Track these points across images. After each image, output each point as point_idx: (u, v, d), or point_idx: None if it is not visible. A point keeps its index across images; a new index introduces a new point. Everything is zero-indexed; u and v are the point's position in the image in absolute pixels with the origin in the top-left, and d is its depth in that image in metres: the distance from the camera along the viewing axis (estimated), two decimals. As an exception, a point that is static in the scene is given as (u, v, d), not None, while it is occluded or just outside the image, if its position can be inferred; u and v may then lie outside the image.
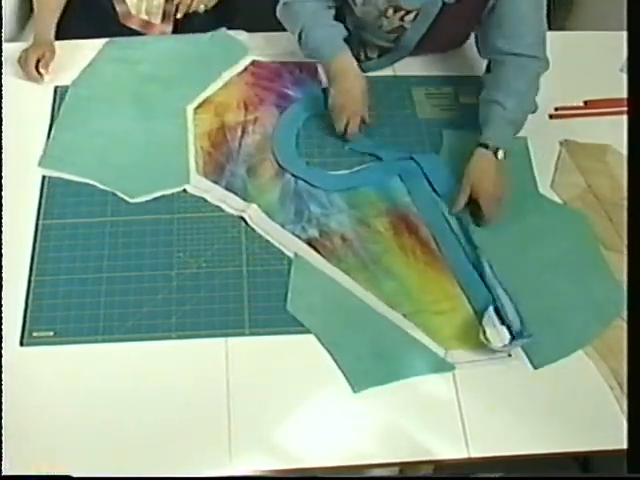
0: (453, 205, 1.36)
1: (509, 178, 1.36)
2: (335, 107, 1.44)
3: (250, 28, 1.60)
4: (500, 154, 1.35)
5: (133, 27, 1.73)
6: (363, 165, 1.45)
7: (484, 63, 1.51)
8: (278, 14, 1.50)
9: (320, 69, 1.60)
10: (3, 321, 1.20)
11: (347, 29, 1.48)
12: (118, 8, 1.70)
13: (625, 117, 1.18)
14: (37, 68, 1.52)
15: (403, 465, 1.25)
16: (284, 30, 1.55)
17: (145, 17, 1.72)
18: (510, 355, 1.22)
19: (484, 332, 1.22)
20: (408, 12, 1.46)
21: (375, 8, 1.46)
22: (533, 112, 1.42)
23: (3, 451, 1.04)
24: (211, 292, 1.28)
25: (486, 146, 1.36)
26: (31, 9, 1.65)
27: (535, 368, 1.21)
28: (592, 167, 1.47)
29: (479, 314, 1.25)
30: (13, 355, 1.19)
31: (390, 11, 1.46)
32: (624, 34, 1.13)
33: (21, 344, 1.22)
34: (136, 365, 1.20)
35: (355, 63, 1.44)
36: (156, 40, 1.69)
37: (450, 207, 1.37)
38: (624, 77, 1.54)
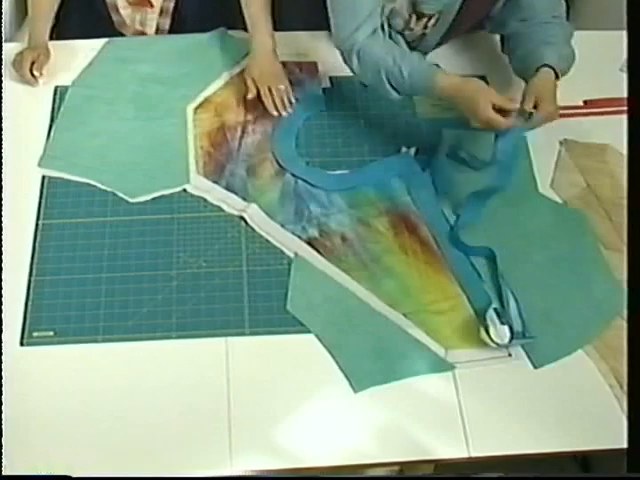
0: (517, 113, 1.30)
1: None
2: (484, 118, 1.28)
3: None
4: (554, 74, 1.34)
5: (128, 35, 1.73)
6: (363, 165, 1.45)
7: (486, 62, 1.50)
8: (355, 69, 1.39)
9: (320, 69, 1.60)
10: (3, 321, 1.20)
11: None
12: (114, 17, 1.70)
13: (625, 117, 1.18)
14: (31, 70, 1.52)
15: (403, 465, 1.25)
16: (284, 30, 1.55)
17: (139, 27, 1.72)
18: (510, 355, 1.22)
19: (487, 330, 1.22)
20: (430, 18, 1.46)
21: (401, 19, 1.45)
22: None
23: (3, 451, 1.04)
24: (211, 292, 1.28)
25: (549, 66, 1.34)
26: (26, 9, 1.65)
27: (535, 368, 1.21)
28: (592, 167, 1.47)
29: (479, 314, 1.25)
30: (13, 355, 1.19)
31: (413, 20, 1.46)
32: (624, 34, 1.13)
33: (21, 344, 1.22)
34: (136, 365, 1.20)
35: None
36: (156, 40, 1.69)
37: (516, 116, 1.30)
38: (624, 77, 1.54)
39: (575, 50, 1.41)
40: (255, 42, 1.54)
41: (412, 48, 1.51)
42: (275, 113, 1.51)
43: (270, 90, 1.52)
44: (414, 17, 1.45)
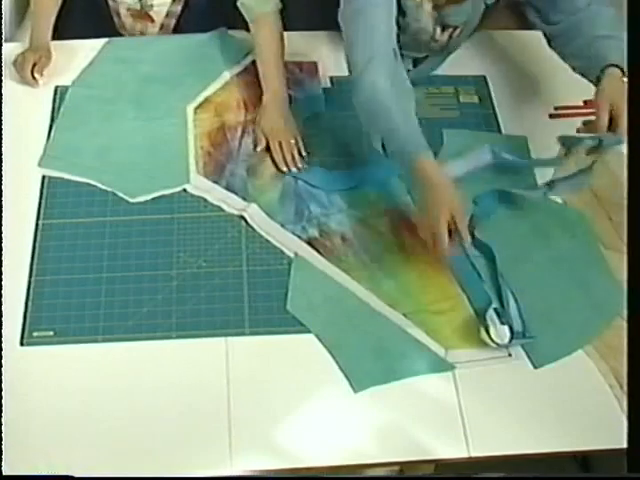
0: (596, 128, 1.26)
1: None
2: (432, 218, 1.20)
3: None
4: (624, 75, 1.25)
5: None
6: (363, 165, 1.45)
7: (486, 62, 1.50)
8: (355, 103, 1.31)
9: (320, 68, 1.60)
10: (3, 321, 1.20)
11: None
12: (115, 20, 1.71)
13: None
14: (33, 72, 1.52)
15: (403, 465, 1.25)
16: (284, 30, 1.54)
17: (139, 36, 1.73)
18: (510, 355, 1.22)
19: (487, 330, 1.22)
20: (455, 28, 1.46)
21: (425, 32, 1.45)
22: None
23: (3, 451, 1.04)
24: (211, 292, 1.28)
25: (616, 66, 1.26)
26: (25, 8, 1.65)
27: (535, 368, 1.21)
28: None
29: (479, 314, 1.25)
30: (13, 355, 1.19)
31: (438, 31, 1.46)
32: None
33: (21, 344, 1.22)
34: (136, 365, 1.20)
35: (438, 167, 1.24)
36: (156, 40, 1.69)
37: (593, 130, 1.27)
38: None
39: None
40: (267, 93, 1.48)
41: (434, 53, 1.50)
42: (285, 169, 1.43)
43: (281, 145, 1.44)
44: (439, 29, 1.45)
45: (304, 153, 1.45)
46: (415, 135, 1.23)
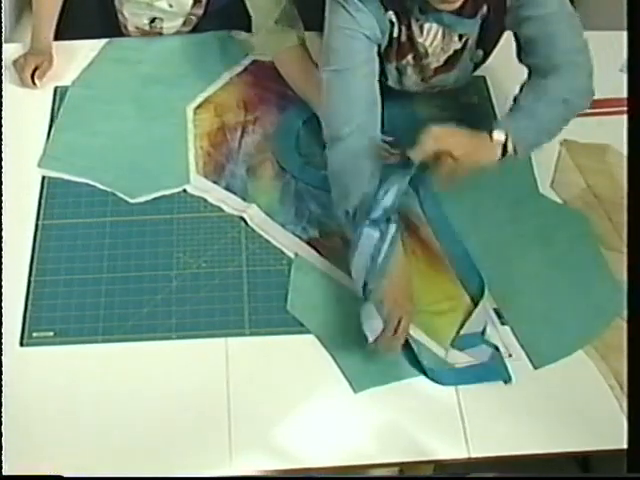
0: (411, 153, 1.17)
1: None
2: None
3: (251, 28, 1.60)
4: (497, 134, 1.18)
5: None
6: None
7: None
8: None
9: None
10: (3, 321, 1.20)
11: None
12: (123, 31, 1.70)
13: (625, 117, 1.18)
14: (33, 75, 1.52)
15: (403, 465, 1.25)
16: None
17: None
18: (510, 355, 1.22)
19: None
20: (445, 86, 1.46)
21: (412, 87, 1.44)
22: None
23: (3, 451, 1.04)
24: (211, 292, 1.28)
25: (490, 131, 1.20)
26: (23, 8, 1.64)
27: (535, 368, 1.21)
28: (592, 167, 1.47)
29: (475, 300, 1.26)
30: (13, 355, 1.19)
31: (427, 90, 1.46)
32: (624, 34, 1.13)
33: (21, 344, 1.22)
34: (136, 365, 1.20)
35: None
36: (156, 40, 1.68)
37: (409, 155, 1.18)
38: (624, 77, 1.54)
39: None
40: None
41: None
42: None
43: None
44: (428, 89, 1.45)
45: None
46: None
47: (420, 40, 1.29)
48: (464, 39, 1.30)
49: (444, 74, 1.38)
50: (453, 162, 1.15)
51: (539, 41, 1.25)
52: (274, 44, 1.49)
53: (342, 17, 1.23)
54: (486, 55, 1.39)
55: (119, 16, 1.66)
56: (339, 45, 1.24)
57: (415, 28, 1.27)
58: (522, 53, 1.30)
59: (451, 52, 1.32)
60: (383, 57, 1.32)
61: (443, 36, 1.29)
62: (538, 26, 1.24)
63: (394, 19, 1.26)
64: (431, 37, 1.29)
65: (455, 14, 1.24)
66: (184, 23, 1.66)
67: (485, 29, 1.30)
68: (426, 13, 1.25)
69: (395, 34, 1.28)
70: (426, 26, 1.27)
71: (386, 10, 1.24)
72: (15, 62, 1.54)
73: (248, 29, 1.60)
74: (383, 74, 1.37)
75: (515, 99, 1.27)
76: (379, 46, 1.29)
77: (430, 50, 1.31)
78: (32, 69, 1.51)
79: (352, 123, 1.24)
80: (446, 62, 1.34)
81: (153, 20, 1.63)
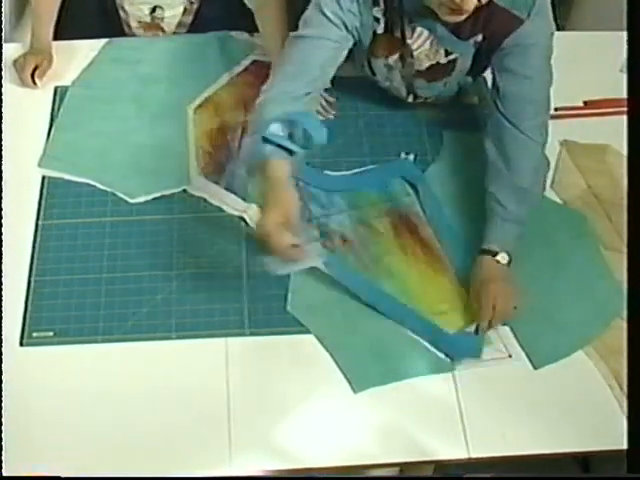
0: (480, 328, 1.22)
1: (516, 283, 1.25)
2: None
3: (251, 28, 1.60)
4: (502, 258, 1.24)
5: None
6: (363, 168, 1.45)
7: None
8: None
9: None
10: (3, 321, 1.20)
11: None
12: (125, 30, 1.70)
13: (625, 117, 1.18)
14: (33, 75, 1.52)
15: (403, 465, 1.25)
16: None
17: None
18: (510, 356, 1.22)
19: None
20: (426, 98, 1.47)
21: (396, 92, 1.47)
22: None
23: (3, 451, 1.04)
24: (211, 292, 1.28)
25: (487, 251, 1.25)
26: (24, 8, 1.64)
27: (535, 368, 1.21)
28: (592, 167, 1.47)
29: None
30: (13, 355, 1.19)
31: (410, 97, 1.48)
32: (624, 34, 1.13)
33: (21, 344, 1.21)
34: (136, 365, 1.20)
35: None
36: (156, 40, 1.69)
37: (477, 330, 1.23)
38: (624, 77, 1.54)
39: (575, 51, 1.40)
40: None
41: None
42: (321, 118, 1.44)
43: None
44: (411, 96, 1.47)
45: (331, 99, 1.52)
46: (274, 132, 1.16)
47: (409, 41, 1.31)
48: (451, 57, 1.33)
49: (425, 82, 1.40)
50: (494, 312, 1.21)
51: (510, 95, 1.29)
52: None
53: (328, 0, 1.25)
54: (473, 80, 1.44)
55: (120, 13, 1.66)
56: (314, 21, 1.26)
57: (407, 28, 1.29)
58: (494, 94, 1.32)
59: (434, 62, 1.34)
60: (372, 52, 1.35)
61: (431, 44, 1.31)
62: (513, 82, 1.28)
63: (379, 15, 1.27)
64: (420, 41, 1.31)
65: (449, 29, 1.26)
66: (184, 11, 1.66)
67: (477, 57, 1.33)
68: (422, 18, 1.26)
69: (379, 30, 1.29)
70: (418, 30, 1.29)
71: (374, 4, 1.26)
72: (15, 62, 1.54)
73: (248, 29, 1.60)
74: (371, 70, 1.40)
75: (494, 199, 1.29)
76: (356, 42, 1.31)
77: (415, 53, 1.33)
78: (32, 68, 1.51)
79: (298, 89, 1.23)
80: (428, 70, 1.36)
81: (154, 10, 1.63)
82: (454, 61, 1.34)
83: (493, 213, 1.28)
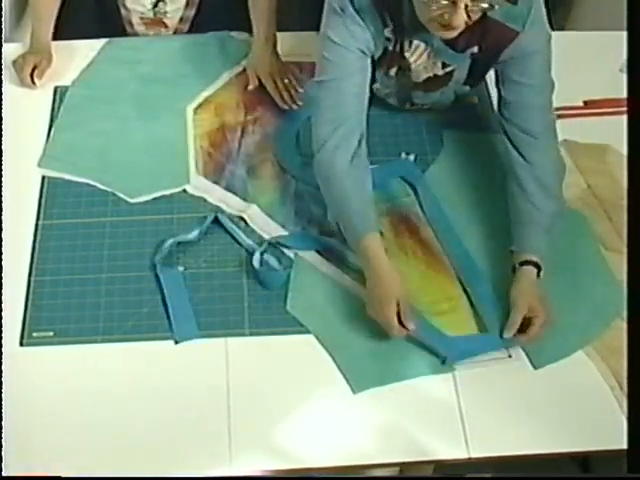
0: (505, 332, 1.20)
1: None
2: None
3: (251, 28, 1.60)
4: (541, 274, 1.23)
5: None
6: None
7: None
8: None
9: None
10: (3, 321, 1.20)
11: None
12: (128, 29, 1.70)
13: (625, 117, 1.18)
14: (32, 75, 1.51)
15: (403, 465, 1.25)
16: (284, 30, 1.54)
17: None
18: (510, 356, 1.22)
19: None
20: (423, 105, 1.48)
21: (394, 100, 1.48)
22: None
23: (3, 451, 1.04)
24: (211, 292, 1.28)
25: (531, 263, 1.22)
26: (24, 8, 1.64)
27: (535, 368, 1.21)
28: (592, 167, 1.47)
29: (480, 314, 1.25)
30: (13, 355, 1.18)
31: (407, 104, 1.48)
32: (624, 34, 1.13)
33: (21, 344, 1.21)
34: (136, 365, 1.20)
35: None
36: (156, 40, 1.69)
37: (501, 333, 1.21)
38: (624, 77, 1.54)
39: (575, 51, 1.40)
40: (258, 35, 1.55)
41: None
42: (286, 107, 1.51)
43: (276, 84, 1.52)
44: (408, 103, 1.47)
45: (300, 90, 1.53)
46: (365, 213, 1.23)
47: (407, 54, 1.31)
48: (448, 69, 1.33)
49: (422, 92, 1.41)
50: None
51: (516, 105, 1.29)
52: None
53: (337, 30, 1.24)
54: (470, 90, 1.44)
55: (122, 11, 1.66)
56: (332, 57, 1.26)
57: (405, 42, 1.29)
58: (501, 107, 1.33)
59: (431, 74, 1.34)
60: (375, 64, 1.34)
61: (428, 57, 1.31)
62: (518, 91, 1.29)
63: (391, 35, 1.28)
64: (417, 54, 1.31)
65: (445, 43, 1.26)
66: (187, 5, 1.66)
67: (474, 68, 1.33)
68: (418, 32, 1.26)
69: (390, 47, 1.30)
70: (415, 43, 1.29)
71: (384, 26, 1.26)
72: (14, 62, 1.54)
73: (248, 29, 1.60)
74: (373, 78, 1.39)
75: (531, 207, 1.27)
76: (372, 57, 1.31)
77: (413, 66, 1.33)
78: (31, 68, 1.51)
79: (339, 131, 1.25)
80: (425, 81, 1.36)
81: (156, 4, 1.63)
82: (451, 72, 1.34)
83: (532, 222, 1.25)
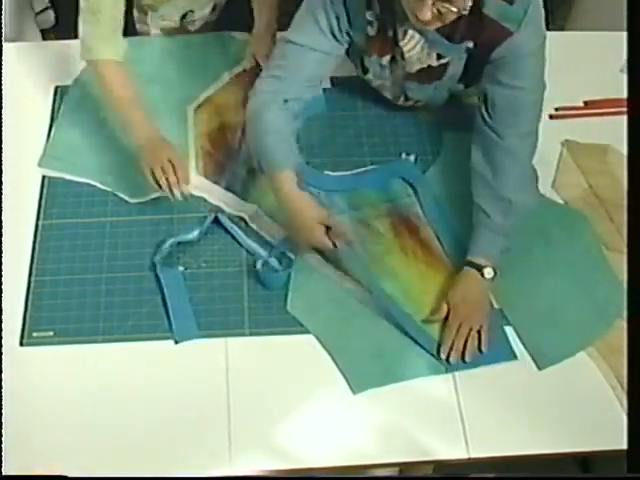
0: (427, 318, 1.24)
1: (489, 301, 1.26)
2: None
3: (251, 28, 1.60)
4: (488, 273, 1.24)
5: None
6: (364, 169, 1.45)
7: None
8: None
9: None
10: (3, 321, 1.20)
11: None
12: (138, 27, 1.69)
13: (625, 117, 1.18)
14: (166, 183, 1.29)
15: (403, 465, 1.25)
16: (284, 30, 1.54)
17: None
18: (516, 357, 1.22)
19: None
20: (417, 101, 1.48)
21: (388, 92, 1.47)
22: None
23: (3, 451, 1.04)
24: (211, 292, 1.28)
25: (472, 264, 1.25)
26: (31, 7, 1.63)
27: (540, 369, 1.21)
28: (593, 167, 1.47)
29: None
30: (13, 355, 1.19)
31: (402, 99, 1.48)
32: (624, 34, 1.13)
33: (21, 344, 1.21)
34: (136, 365, 1.20)
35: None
36: (156, 40, 1.68)
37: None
38: (624, 77, 1.54)
39: (575, 51, 1.40)
40: (260, 20, 1.56)
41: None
42: None
43: None
44: (402, 97, 1.47)
45: None
46: (282, 151, 1.28)
47: (401, 43, 1.31)
48: (443, 60, 1.32)
49: (415, 83, 1.40)
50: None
51: (498, 106, 1.28)
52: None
53: (316, 4, 1.27)
54: (465, 88, 1.43)
55: (137, 26, 1.64)
56: (306, 28, 1.29)
57: (400, 31, 1.29)
58: (481, 105, 1.32)
59: (425, 65, 1.34)
60: (365, 51, 1.35)
61: (422, 47, 1.31)
62: (503, 93, 1.27)
63: (372, 19, 1.28)
64: (411, 44, 1.31)
65: (440, 33, 1.26)
66: (213, 9, 1.65)
67: (469, 65, 1.33)
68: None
69: (371, 33, 1.30)
70: (409, 33, 1.29)
71: (368, 9, 1.26)
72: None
73: (248, 29, 1.60)
74: (363, 68, 1.41)
75: (480, 210, 1.28)
76: (351, 44, 1.33)
77: (407, 55, 1.33)
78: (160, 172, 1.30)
79: (276, 90, 1.30)
80: (419, 72, 1.36)
81: (184, 16, 1.63)
82: (445, 65, 1.34)
83: (480, 224, 1.27)
